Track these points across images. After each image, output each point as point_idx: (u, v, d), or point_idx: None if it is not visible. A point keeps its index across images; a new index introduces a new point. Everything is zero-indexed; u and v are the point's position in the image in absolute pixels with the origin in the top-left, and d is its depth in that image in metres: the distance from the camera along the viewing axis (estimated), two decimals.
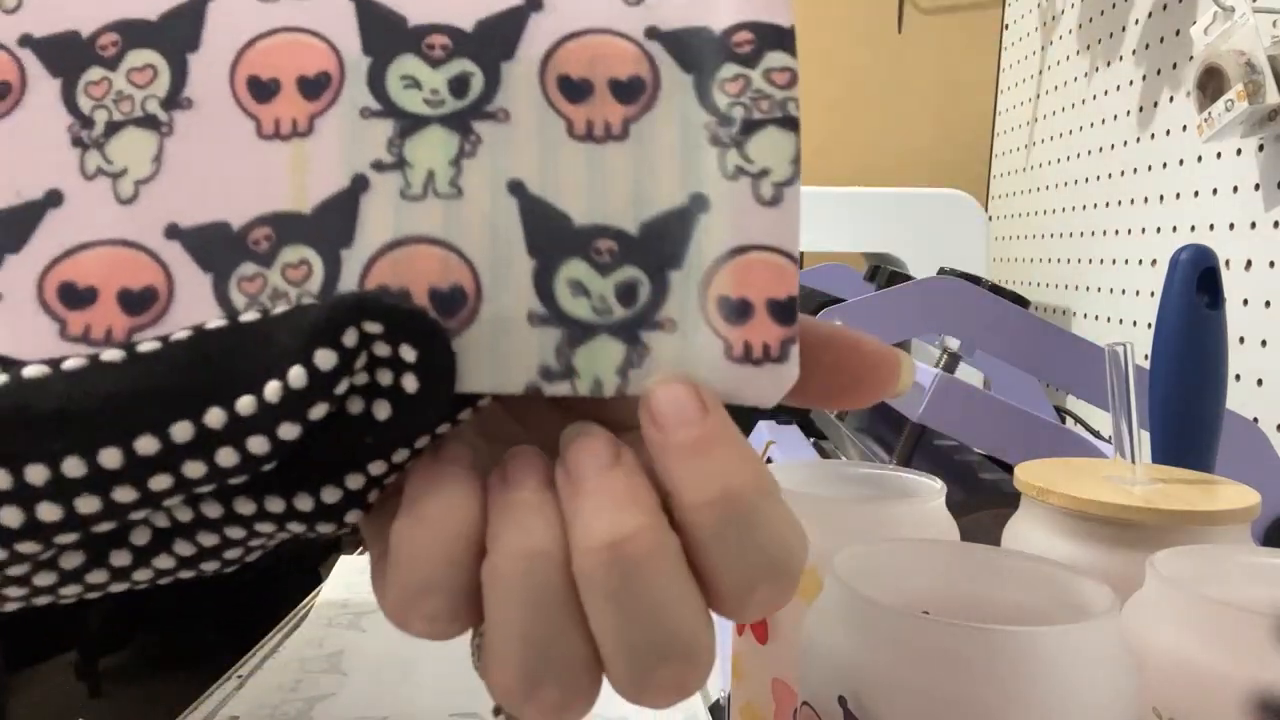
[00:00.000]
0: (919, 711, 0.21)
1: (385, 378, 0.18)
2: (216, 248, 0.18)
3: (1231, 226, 0.73)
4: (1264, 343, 0.68)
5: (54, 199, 0.19)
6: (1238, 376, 0.69)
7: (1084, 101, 1.01)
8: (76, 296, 0.18)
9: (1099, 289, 0.95)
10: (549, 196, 0.19)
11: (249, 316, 0.18)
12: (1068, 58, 1.06)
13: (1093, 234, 0.97)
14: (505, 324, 0.18)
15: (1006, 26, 1.28)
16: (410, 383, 0.17)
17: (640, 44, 0.19)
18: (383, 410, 0.18)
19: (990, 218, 1.25)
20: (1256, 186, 0.70)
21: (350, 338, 0.17)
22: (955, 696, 0.21)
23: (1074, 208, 1.02)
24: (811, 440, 0.73)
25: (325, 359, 0.16)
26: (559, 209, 0.18)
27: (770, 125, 0.19)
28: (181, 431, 0.16)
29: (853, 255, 1.04)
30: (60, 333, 0.18)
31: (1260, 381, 0.68)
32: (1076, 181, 1.02)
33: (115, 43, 0.20)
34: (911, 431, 0.54)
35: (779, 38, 0.20)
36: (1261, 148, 0.69)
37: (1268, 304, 0.68)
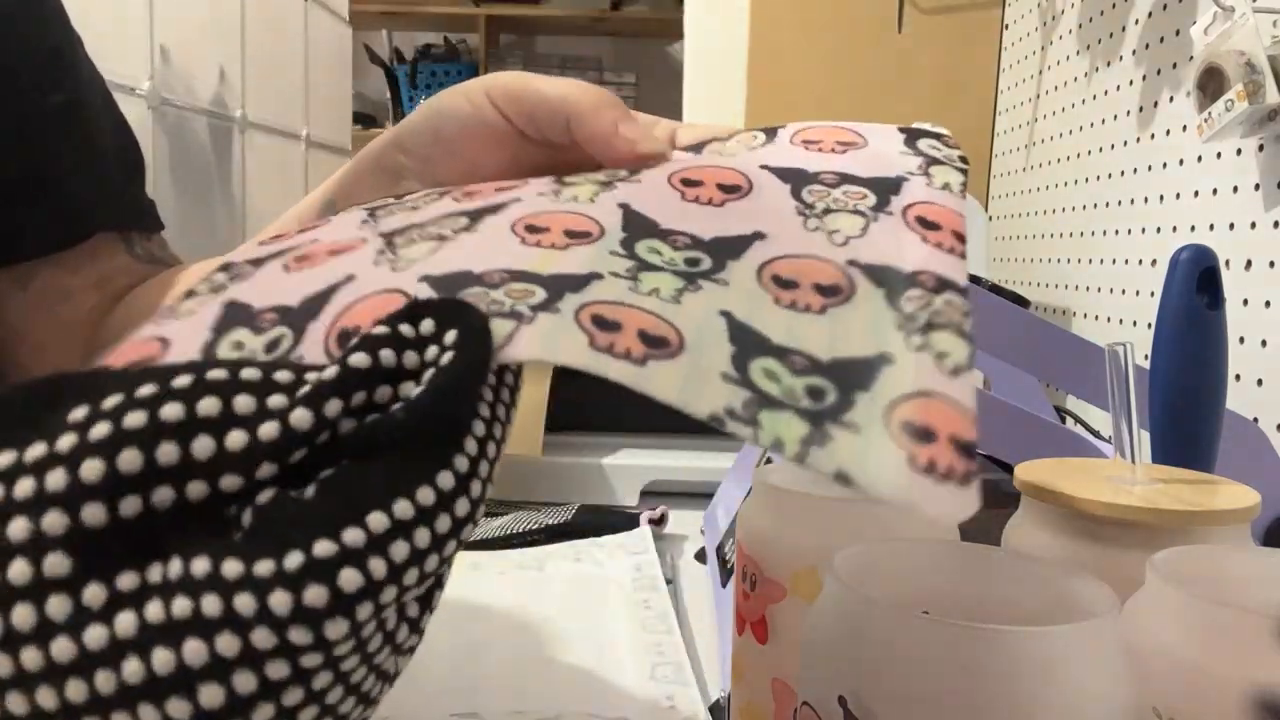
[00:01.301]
0: (919, 711, 0.21)
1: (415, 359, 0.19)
2: (455, 284, 0.22)
3: (1231, 226, 0.73)
4: (1264, 343, 0.68)
5: (348, 280, 0.23)
6: (1238, 376, 0.69)
7: (1084, 101, 1.01)
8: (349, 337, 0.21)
9: (1099, 289, 0.95)
10: (753, 324, 0.21)
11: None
12: (1068, 58, 1.06)
13: (1093, 234, 0.97)
14: (702, 372, 0.20)
15: (1006, 26, 1.28)
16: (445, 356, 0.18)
17: (842, 267, 0.23)
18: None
19: (990, 218, 1.25)
20: (1256, 186, 0.70)
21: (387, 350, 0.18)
22: (955, 696, 0.21)
23: (1074, 208, 1.02)
24: None
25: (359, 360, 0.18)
26: (760, 331, 0.21)
27: (948, 329, 0.21)
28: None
29: None
30: None
31: (1260, 381, 0.68)
32: (1076, 181, 1.02)
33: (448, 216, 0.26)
34: None
35: (954, 287, 0.23)
36: (1261, 148, 0.69)
37: (1268, 304, 0.68)
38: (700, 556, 0.69)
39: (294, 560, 0.15)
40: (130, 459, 0.16)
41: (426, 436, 0.17)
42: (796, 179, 0.28)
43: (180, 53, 1.16)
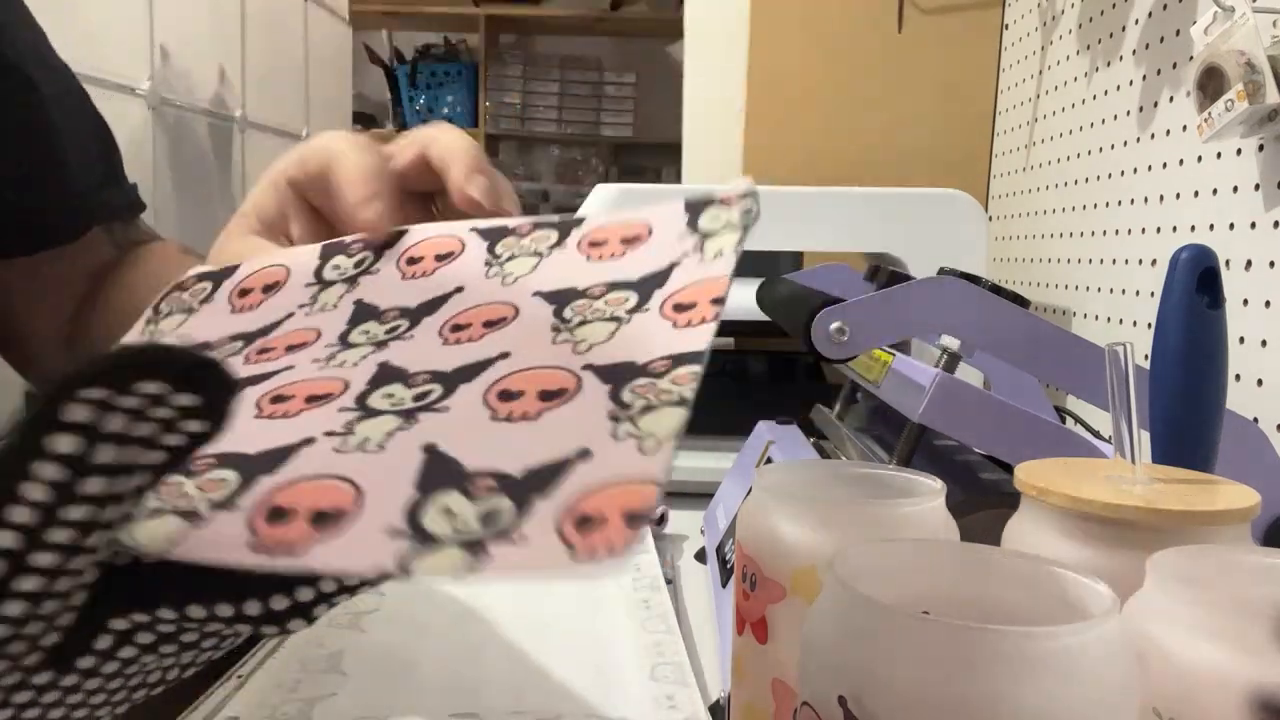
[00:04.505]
0: (919, 711, 0.21)
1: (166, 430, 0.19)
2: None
3: (1231, 226, 0.73)
4: (1264, 343, 0.68)
5: None
6: (1238, 376, 0.69)
7: (1084, 101, 1.01)
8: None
9: (1099, 289, 0.95)
10: (453, 453, 0.22)
11: None
12: (1068, 58, 1.06)
13: (1093, 234, 0.97)
14: (363, 534, 0.20)
15: (1006, 26, 1.28)
16: (195, 426, 0.19)
17: (575, 371, 0.24)
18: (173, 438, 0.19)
19: (990, 218, 1.25)
20: (1256, 186, 0.70)
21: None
22: (955, 696, 0.21)
23: (1074, 208, 1.03)
24: (811, 440, 0.73)
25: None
26: (458, 460, 0.21)
27: (664, 406, 0.22)
28: None
29: (853, 255, 1.04)
30: None
31: (1260, 381, 0.68)
32: (1076, 181, 1.02)
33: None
34: (911, 431, 0.54)
35: (692, 358, 0.23)
36: (1261, 148, 0.69)
37: (1268, 304, 0.68)
38: (700, 556, 0.69)
39: None
40: None
41: None
42: (563, 298, 0.29)
43: (180, 53, 1.16)
